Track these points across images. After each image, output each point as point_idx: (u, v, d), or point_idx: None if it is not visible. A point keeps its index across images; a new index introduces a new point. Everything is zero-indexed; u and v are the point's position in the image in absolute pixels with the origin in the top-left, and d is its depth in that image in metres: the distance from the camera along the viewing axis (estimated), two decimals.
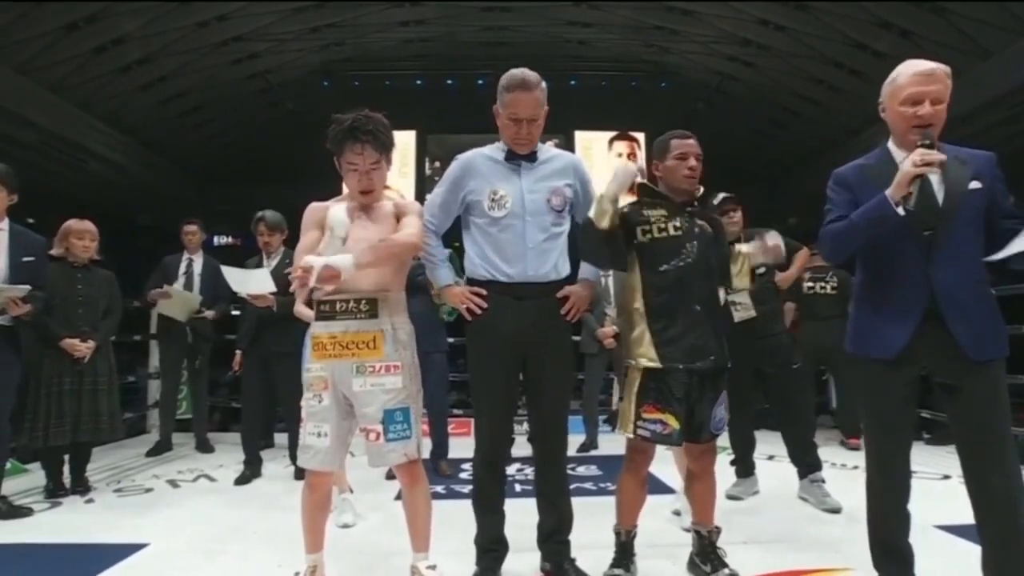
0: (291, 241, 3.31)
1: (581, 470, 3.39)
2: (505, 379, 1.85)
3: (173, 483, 3.25)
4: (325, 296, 1.67)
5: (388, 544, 2.11)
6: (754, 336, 2.73)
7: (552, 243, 1.84)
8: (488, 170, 1.85)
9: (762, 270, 2.89)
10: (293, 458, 3.23)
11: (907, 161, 1.46)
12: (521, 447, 3.19)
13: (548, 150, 1.93)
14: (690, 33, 7.96)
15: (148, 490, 3.10)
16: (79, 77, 7.05)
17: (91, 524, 2.52)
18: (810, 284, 4.07)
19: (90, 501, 2.89)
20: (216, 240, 10.41)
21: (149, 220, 10.41)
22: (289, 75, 8.92)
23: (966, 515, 2.19)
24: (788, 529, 2.37)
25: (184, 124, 9.22)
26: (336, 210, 1.66)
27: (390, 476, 2.98)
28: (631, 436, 1.79)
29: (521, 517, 1.93)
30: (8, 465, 2.96)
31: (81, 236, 2.96)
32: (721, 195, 2.84)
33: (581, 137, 9.54)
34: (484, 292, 1.82)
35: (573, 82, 9.18)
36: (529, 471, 3.13)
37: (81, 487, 2.99)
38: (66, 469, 3.01)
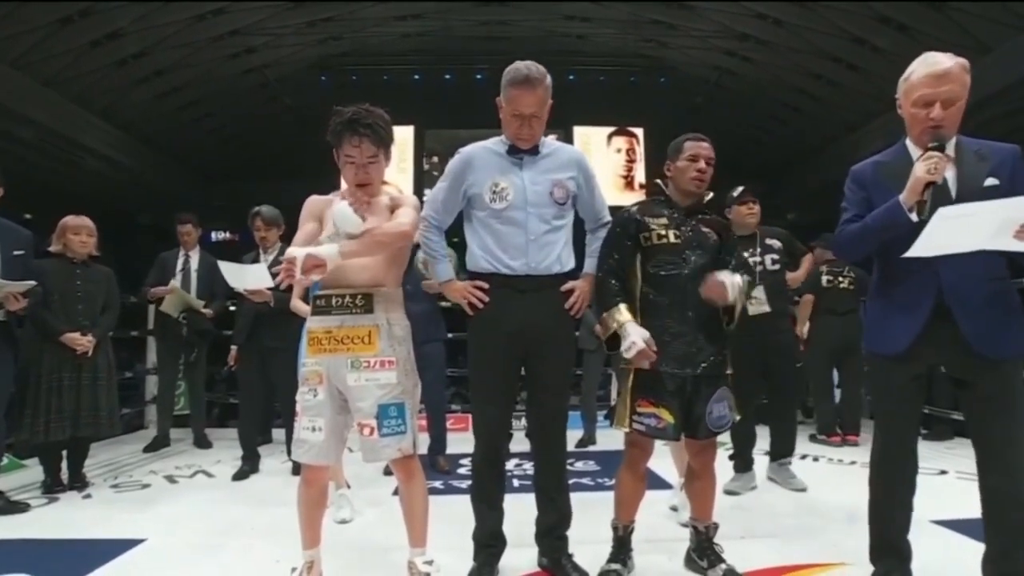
0: (288, 236, 3.30)
1: (579, 465, 3.40)
2: (505, 373, 1.84)
3: (171, 479, 3.25)
4: (320, 291, 1.67)
5: (385, 539, 2.11)
6: (763, 332, 2.78)
7: (555, 235, 1.83)
8: (489, 163, 1.84)
9: (776, 267, 2.92)
10: (291, 453, 3.23)
11: (918, 167, 1.45)
12: (519, 442, 3.19)
13: (551, 144, 1.91)
14: (688, 28, 7.93)
15: (146, 486, 3.10)
16: (74, 71, 7.00)
17: (88, 520, 2.51)
18: (828, 279, 4.08)
19: (87, 497, 2.89)
20: (214, 236, 10.38)
21: (149, 219, 10.37)
22: (286, 70, 8.87)
23: (962, 510, 2.21)
24: (785, 524, 2.38)
25: (181, 119, 9.17)
26: (343, 206, 1.63)
27: (387, 472, 2.98)
28: (627, 430, 1.80)
29: (519, 512, 1.93)
30: (5, 460, 2.97)
31: (77, 231, 2.96)
32: (740, 188, 2.90)
33: (579, 132, 9.50)
34: (486, 286, 1.81)
35: (571, 77, 9.13)
36: (527, 466, 3.14)
37: (79, 483, 2.99)
38: (64, 465, 3.01)
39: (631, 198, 9.00)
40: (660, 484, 2.70)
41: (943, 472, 3.12)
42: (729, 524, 2.04)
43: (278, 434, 3.86)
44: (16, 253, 2.62)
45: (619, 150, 9.73)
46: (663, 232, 1.80)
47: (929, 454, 3.42)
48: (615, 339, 1.77)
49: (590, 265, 1.93)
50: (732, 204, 2.89)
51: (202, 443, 4.05)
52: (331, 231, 1.62)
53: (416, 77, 9.34)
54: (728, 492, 2.72)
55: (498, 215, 1.80)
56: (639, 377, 1.79)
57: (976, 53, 6.41)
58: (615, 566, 1.84)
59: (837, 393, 4.29)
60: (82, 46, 6.68)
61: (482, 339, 1.85)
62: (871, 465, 1.66)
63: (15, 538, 2.29)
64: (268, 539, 2.20)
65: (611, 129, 9.72)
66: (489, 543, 1.87)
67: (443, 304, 3.38)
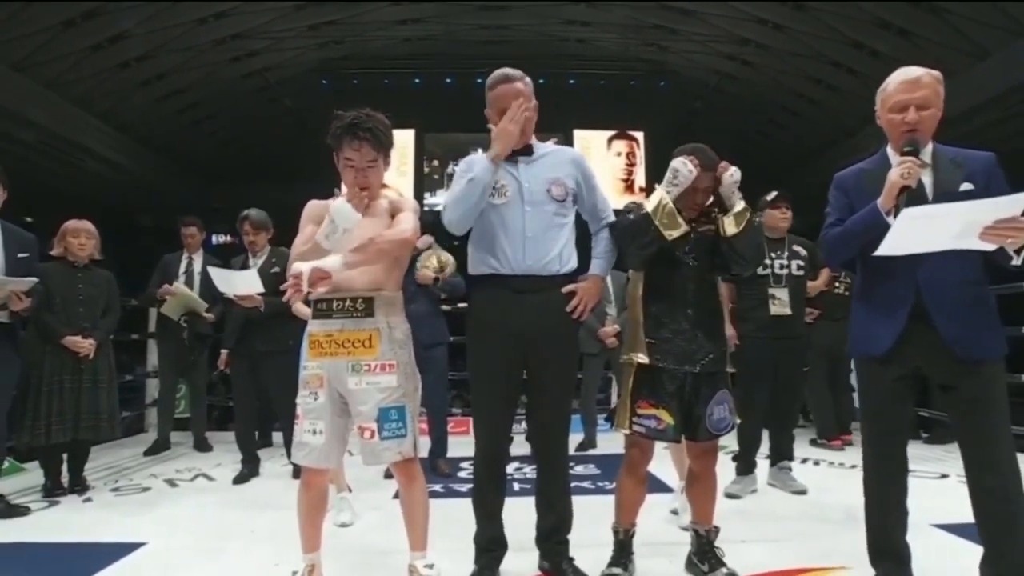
0: (278, 240, 3.29)
1: (580, 469, 3.39)
2: (506, 377, 1.83)
3: (171, 482, 3.24)
4: (321, 295, 1.67)
5: (386, 543, 2.11)
6: (780, 334, 2.83)
7: (555, 233, 1.81)
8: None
9: (800, 273, 2.96)
10: (291, 456, 3.22)
11: (893, 172, 1.52)
12: (520, 446, 3.19)
13: (547, 146, 1.92)
14: (689, 32, 7.96)
15: (146, 489, 3.09)
16: (76, 74, 7.02)
17: (89, 523, 2.51)
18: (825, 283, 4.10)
19: (88, 500, 2.89)
20: (214, 239, 10.39)
21: (149, 220, 10.39)
22: (288, 73, 8.90)
23: (964, 514, 2.19)
24: (786, 528, 2.38)
25: (182, 122, 9.19)
26: (340, 203, 1.63)
27: (388, 475, 2.97)
28: (627, 432, 1.81)
29: (520, 516, 1.93)
30: (6, 464, 2.96)
31: (77, 235, 2.97)
32: (774, 193, 2.98)
33: (580, 136, 9.52)
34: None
35: (572, 81, 9.17)
36: (528, 470, 3.14)
37: (79, 486, 2.99)
38: (64, 468, 3.00)
39: (631, 200, 9.02)
40: (661, 488, 2.70)
41: (944, 476, 3.12)
42: (730, 527, 2.04)
43: (278, 437, 3.86)
44: (20, 256, 2.64)
45: (619, 154, 9.75)
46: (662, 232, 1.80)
47: (930, 457, 3.42)
48: (665, 212, 1.72)
49: (595, 267, 1.92)
50: (765, 208, 2.94)
51: (202, 446, 4.05)
52: (328, 229, 1.61)
53: (416, 81, 9.37)
54: (728, 495, 2.72)
55: (496, 209, 1.79)
56: (639, 378, 1.80)
57: (974, 58, 6.44)
58: (616, 570, 1.84)
59: None
60: (84, 49, 6.70)
61: (481, 342, 1.85)
62: (863, 468, 1.68)
63: (16, 541, 2.28)
64: (268, 542, 2.20)
65: (611, 133, 9.75)
66: (490, 547, 1.87)
67: (444, 308, 3.39)
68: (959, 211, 1.40)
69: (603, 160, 9.50)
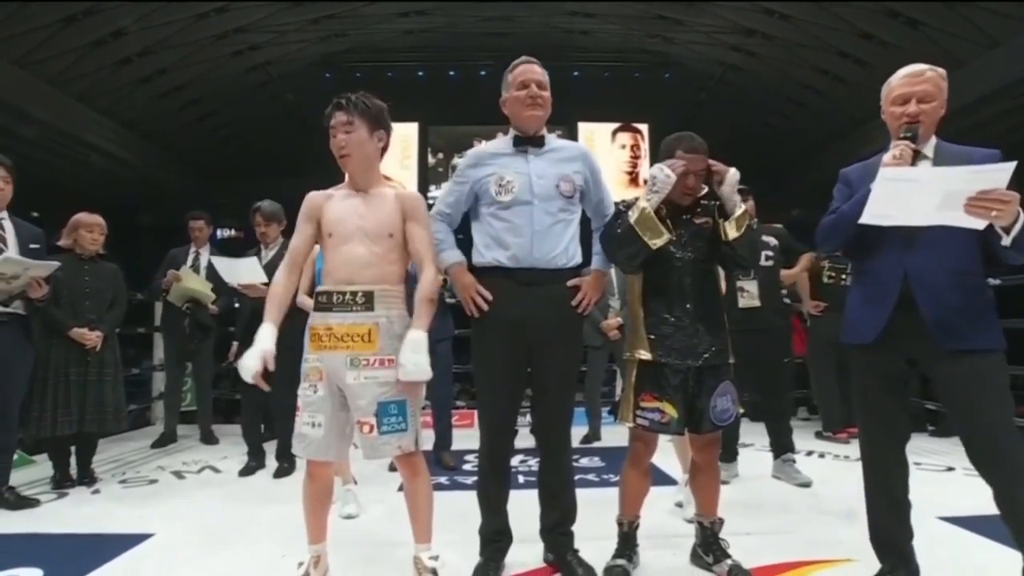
0: (290, 232, 3.29)
1: (584, 462, 3.40)
2: (511, 369, 1.83)
3: (178, 474, 3.27)
4: (323, 288, 1.68)
5: (391, 535, 2.12)
6: (751, 327, 2.80)
7: (561, 228, 1.82)
8: (496, 160, 1.85)
9: (769, 263, 2.93)
10: (278, 456, 3.21)
11: (887, 155, 1.53)
12: (524, 438, 3.19)
13: (556, 140, 1.93)
14: (693, 23, 7.88)
15: (153, 481, 3.12)
16: (78, 70, 7.03)
17: (97, 515, 2.54)
18: (830, 275, 4.08)
19: (96, 492, 2.92)
20: (219, 233, 10.42)
21: (151, 220, 10.41)
22: (290, 67, 8.88)
23: (969, 507, 2.20)
24: (790, 521, 2.38)
25: (185, 117, 9.20)
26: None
27: (393, 468, 2.98)
28: (631, 425, 1.81)
29: (525, 508, 1.93)
30: (16, 456, 2.99)
31: (91, 229, 2.99)
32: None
33: (584, 128, 9.48)
34: (488, 297, 1.80)
35: (576, 73, 9.10)
36: (532, 462, 3.14)
37: (87, 478, 3.02)
38: (72, 460, 3.03)
39: (636, 194, 8.97)
40: (665, 480, 2.71)
41: (950, 468, 3.11)
42: (734, 520, 2.04)
43: None
44: (32, 247, 2.68)
45: (623, 146, 9.71)
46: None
47: (935, 450, 3.41)
48: (647, 222, 1.72)
49: (597, 262, 1.92)
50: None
51: (209, 439, 4.08)
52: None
53: (420, 74, 9.34)
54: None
55: (504, 207, 1.80)
56: (642, 371, 1.79)
57: (984, 48, 6.36)
58: (620, 561, 1.85)
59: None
60: (86, 45, 6.70)
61: (486, 335, 1.84)
62: (861, 460, 1.67)
63: (26, 532, 2.31)
64: (275, 534, 2.21)
65: (615, 125, 9.69)
66: (495, 539, 1.87)
67: (449, 300, 3.39)
68: (937, 176, 1.39)
69: (607, 152, 9.46)
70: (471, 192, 1.86)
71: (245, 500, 2.76)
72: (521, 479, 2.87)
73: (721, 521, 1.92)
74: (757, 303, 2.88)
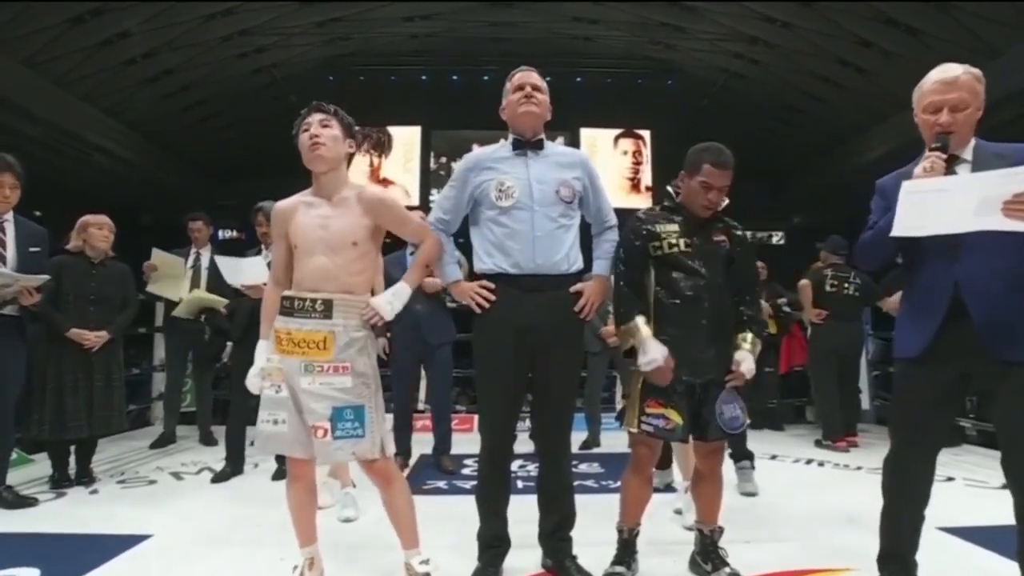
0: None
1: (583, 467, 3.39)
2: (512, 375, 1.83)
3: (177, 475, 3.27)
4: (288, 292, 1.70)
5: (389, 538, 2.10)
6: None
7: (562, 233, 1.82)
8: (495, 164, 1.85)
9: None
10: (277, 457, 3.19)
11: (917, 168, 1.48)
12: (524, 444, 3.19)
13: (555, 146, 1.94)
14: (696, 30, 7.91)
15: (152, 482, 3.12)
16: (84, 70, 7.06)
17: (95, 515, 2.53)
18: (833, 283, 4.06)
19: (94, 492, 2.91)
20: (221, 234, 10.43)
21: (152, 220, 10.42)
22: (294, 69, 8.91)
23: (970, 518, 2.20)
24: (789, 529, 2.37)
25: (188, 118, 9.22)
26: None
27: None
28: (635, 431, 1.80)
29: (524, 513, 1.93)
30: (14, 455, 2.99)
31: (101, 227, 3.01)
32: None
33: (586, 134, 9.50)
34: (492, 286, 1.81)
35: (578, 79, 9.13)
36: (531, 467, 3.14)
37: (86, 478, 3.01)
38: (71, 460, 3.03)
39: (637, 200, 8.97)
40: (665, 487, 2.70)
41: (950, 479, 3.10)
42: (733, 528, 2.03)
43: None
44: (32, 250, 2.67)
45: (626, 152, 9.72)
46: (674, 241, 1.80)
47: (937, 461, 3.40)
48: (632, 349, 1.77)
49: (599, 267, 1.93)
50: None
51: (208, 440, 4.07)
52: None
53: (423, 78, 9.37)
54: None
55: (505, 212, 1.80)
56: (649, 379, 1.78)
57: (986, 57, 6.36)
58: (620, 568, 1.84)
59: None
60: (93, 45, 6.74)
61: (488, 340, 1.85)
62: (883, 471, 1.64)
63: (23, 532, 2.31)
64: (273, 537, 2.20)
65: (618, 131, 9.71)
66: (493, 543, 1.87)
67: (451, 305, 3.40)
68: (966, 184, 1.34)
69: (609, 159, 9.48)
70: (470, 197, 1.87)
71: (244, 502, 2.75)
72: (520, 484, 2.87)
73: (721, 530, 1.91)
74: None
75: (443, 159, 9.69)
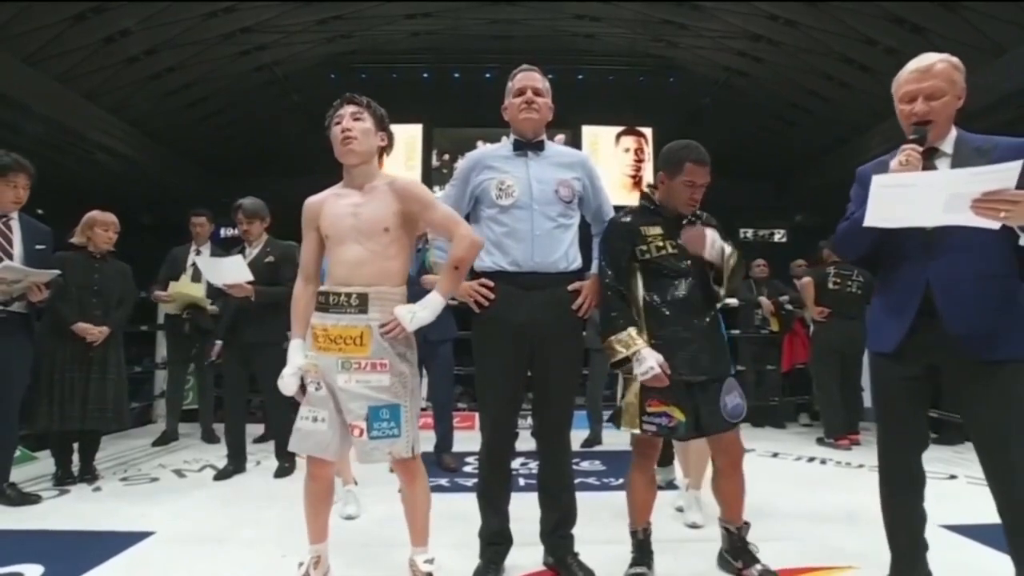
0: (284, 233, 3.20)
1: (585, 465, 3.39)
2: (512, 373, 1.83)
3: (179, 472, 3.27)
4: (323, 288, 1.68)
5: (391, 536, 2.12)
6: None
7: (561, 233, 1.83)
8: (496, 163, 1.86)
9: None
10: (278, 455, 3.22)
11: (893, 162, 1.47)
12: (525, 441, 3.19)
13: (555, 146, 1.95)
14: (699, 28, 7.90)
15: (154, 479, 3.12)
16: (86, 68, 7.08)
17: (98, 512, 2.54)
18: (836, 280, 4.06)
19: (97, 489, 2.92)
20: (222, 232, 10.44)
21: (154, 218, 10.44)
22: (296, 67, 8.92)
23: (972, 515, 2.19)
24: (792, 528, 2.36)
25: (190, 116, 9.24)
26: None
27: (393, 469, 2.99)
28: (637, 432, 1.79)
29: (525, 511, 1.93)
30: (17, 453, 3.00)
31: (106, 227, 3.01)
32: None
33: (588, 132, 9.51)
34: (491, 284, 1.82)
35: (580, 76, 9.13)
36: (533, 465, 3.13)
37: (89, 475, 3.02)
38: (75, 457, 3.04)
39: (638, 199, 8.97)
40: (667, 484, 2.69)
41: (953, 477, 3.10)
42: None
43: None
44: (38, 247, 2.68)
45: (627, 150, 9.72)
46: (660, 243, 1.79)
47: (939, 458, 3.39)
48: (622, 360, 1.75)
49: (598, 266, 1.93)
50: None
51: (210, 438, 4.08)
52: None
53: (425, 75, 9.37)
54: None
55: (505, 211, 1.81)
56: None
57: (990, 54, 6.34)
58: (641, 569, 1.83)
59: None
60: (95, 43, 6.74)
61: (487, 338, 1.85)
62: (878, 469, 1.64)
63: (27, 529, 2.31)
64: (275, 534, 2.21)
65: (619, 129, 9.71)
66: (495, 541, 1.87)
67: (451, 302, 3.39)
68: (935, 180, 1.33)
69: (611, 156, 9.48)
70: (471, 195, 1.87)
71: (246, 499, 2.76)
72: (522, 482, 2.87)
73: (748, 525, 1.89)
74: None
75: (445, 156, 9.69)
